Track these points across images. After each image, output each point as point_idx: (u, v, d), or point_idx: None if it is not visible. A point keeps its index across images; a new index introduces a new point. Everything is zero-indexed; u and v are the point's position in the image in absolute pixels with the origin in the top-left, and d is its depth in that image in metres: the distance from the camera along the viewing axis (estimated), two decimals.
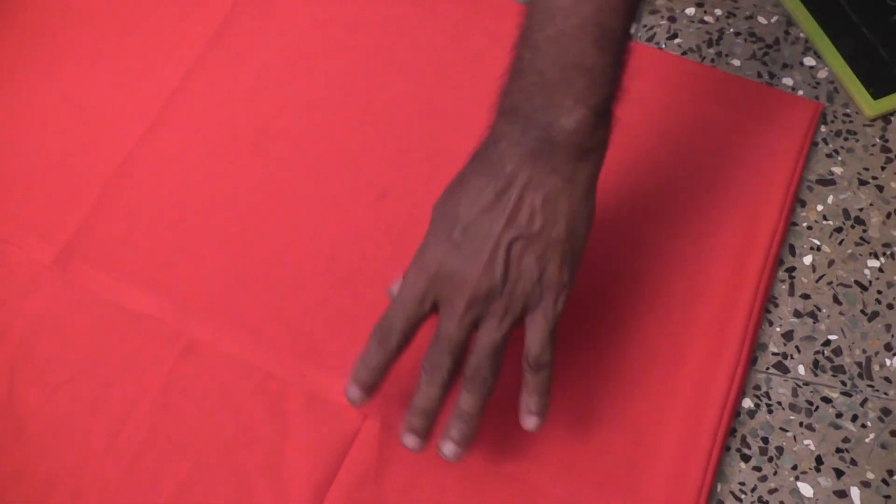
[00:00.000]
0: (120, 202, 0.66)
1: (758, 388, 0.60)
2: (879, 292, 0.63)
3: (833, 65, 0.71)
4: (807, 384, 0.60)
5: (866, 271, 0.63)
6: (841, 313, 0.62)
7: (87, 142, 0.68)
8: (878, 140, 0.68)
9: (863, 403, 0.59)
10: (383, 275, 0.60)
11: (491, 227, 0.49)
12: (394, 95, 0.70)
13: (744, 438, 0.58)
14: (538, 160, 0.49)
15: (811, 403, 0.59)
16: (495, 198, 0.49)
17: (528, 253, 0.49)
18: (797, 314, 0.62)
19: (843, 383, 0.60)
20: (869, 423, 0.59)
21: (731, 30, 0.73)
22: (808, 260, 0.64)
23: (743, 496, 0.57)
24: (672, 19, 0.74)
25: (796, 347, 0.61)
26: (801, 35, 0.73)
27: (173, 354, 0.60)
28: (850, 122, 0.69)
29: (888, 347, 0.61)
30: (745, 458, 0.58)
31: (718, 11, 0.74)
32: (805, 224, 0.65)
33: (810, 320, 0.62)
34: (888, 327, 0.61)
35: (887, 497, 0.57)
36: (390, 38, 0.72)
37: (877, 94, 0.69)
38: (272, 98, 0.70)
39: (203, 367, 0.60)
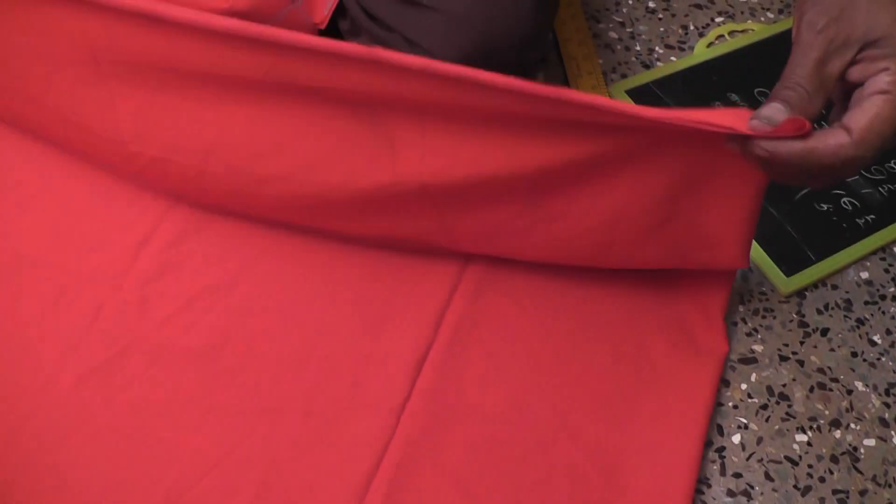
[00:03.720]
0: None
1: None
2: (810, 466, 0.64)
3: None
4: None
5: (795, 446, 0.65)
6: (774, 490, 0.63)
7: None
8: (794, 315, 0.71)
9: None
10: None
11: None
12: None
13: None
14: None
15: None
16: None
17: None
18: (730, 493, 0.63)
19: None
20: None
21: None
22: (736, 439, 0.65)
23: None
24: None
25: None
26: None
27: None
28: (767, 299, 0.72)
29: None
30: None
31: None
32: (731, 403, 0.67)
33: (744, 499, 0.63)
34: (822, 500, 0.62)
35: None
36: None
37: (789, 272, 0.72)
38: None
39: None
